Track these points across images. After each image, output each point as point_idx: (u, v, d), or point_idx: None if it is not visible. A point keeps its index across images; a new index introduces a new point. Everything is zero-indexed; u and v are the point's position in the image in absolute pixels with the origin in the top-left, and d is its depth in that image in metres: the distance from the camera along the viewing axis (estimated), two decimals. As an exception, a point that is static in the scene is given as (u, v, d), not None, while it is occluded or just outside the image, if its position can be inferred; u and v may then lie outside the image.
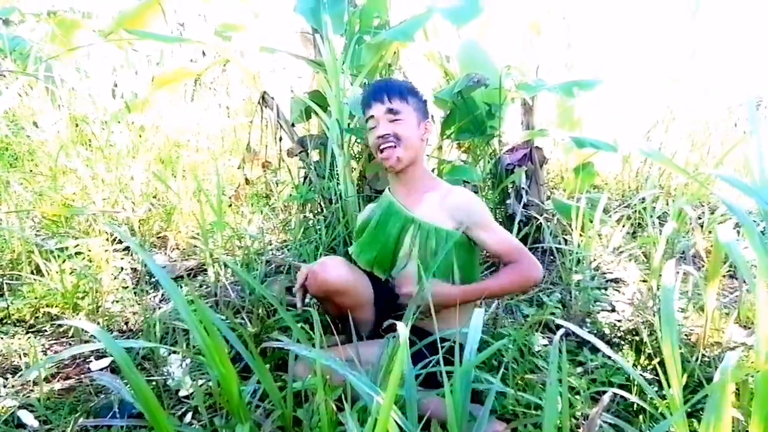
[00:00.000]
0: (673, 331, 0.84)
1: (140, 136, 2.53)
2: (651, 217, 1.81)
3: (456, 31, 2.09)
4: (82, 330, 1.48)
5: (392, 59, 2.29)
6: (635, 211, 2.19)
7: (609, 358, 1.39)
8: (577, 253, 1.72)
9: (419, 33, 1.94)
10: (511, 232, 1.88)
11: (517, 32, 2.28)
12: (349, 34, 2.19)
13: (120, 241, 1.94)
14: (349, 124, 1.93)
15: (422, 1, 2.12)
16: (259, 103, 2.26)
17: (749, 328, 1.48)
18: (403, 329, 0.67)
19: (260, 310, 1.47)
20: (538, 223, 2.05)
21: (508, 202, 2.17)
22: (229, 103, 3.20)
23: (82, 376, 1.26)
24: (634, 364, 1.34)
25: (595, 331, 1.54)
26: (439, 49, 2.20)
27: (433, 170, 2.32)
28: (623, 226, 2.06)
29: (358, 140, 2.06)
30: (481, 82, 1.77)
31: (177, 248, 2.10)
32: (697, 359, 1.27)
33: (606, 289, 1.84)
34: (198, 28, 3.57)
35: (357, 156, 2.13)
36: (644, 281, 1.81)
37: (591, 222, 1.80)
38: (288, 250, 2.03)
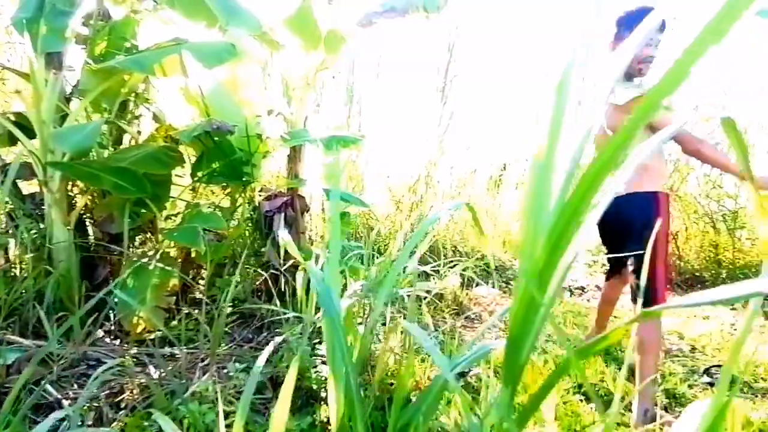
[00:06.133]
0: None
1: None
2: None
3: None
4: None
5: (144, 88, 2.09)
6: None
7: None
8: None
9: (175, 66, 1.77)
10: (266, 281, 1.80)
11: (287, 82, 2.31)
12: (91, 54, 1.92)
13: None
14: (64, 155, 1.63)
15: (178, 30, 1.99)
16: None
17: None
18: None
19: None
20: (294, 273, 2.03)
21: (263, 250, 2.11)
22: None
23: None
24: None
25: None
26: (198, 84, 2.07)
27: (178, 213, 2.14)
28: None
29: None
30: (222, 129, 1.70)
31: None
32: None
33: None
34: None
35: (82, 191, 1.83)
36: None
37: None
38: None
